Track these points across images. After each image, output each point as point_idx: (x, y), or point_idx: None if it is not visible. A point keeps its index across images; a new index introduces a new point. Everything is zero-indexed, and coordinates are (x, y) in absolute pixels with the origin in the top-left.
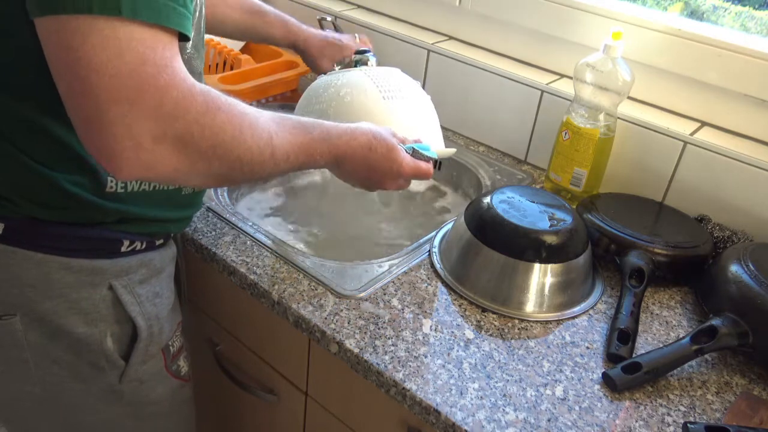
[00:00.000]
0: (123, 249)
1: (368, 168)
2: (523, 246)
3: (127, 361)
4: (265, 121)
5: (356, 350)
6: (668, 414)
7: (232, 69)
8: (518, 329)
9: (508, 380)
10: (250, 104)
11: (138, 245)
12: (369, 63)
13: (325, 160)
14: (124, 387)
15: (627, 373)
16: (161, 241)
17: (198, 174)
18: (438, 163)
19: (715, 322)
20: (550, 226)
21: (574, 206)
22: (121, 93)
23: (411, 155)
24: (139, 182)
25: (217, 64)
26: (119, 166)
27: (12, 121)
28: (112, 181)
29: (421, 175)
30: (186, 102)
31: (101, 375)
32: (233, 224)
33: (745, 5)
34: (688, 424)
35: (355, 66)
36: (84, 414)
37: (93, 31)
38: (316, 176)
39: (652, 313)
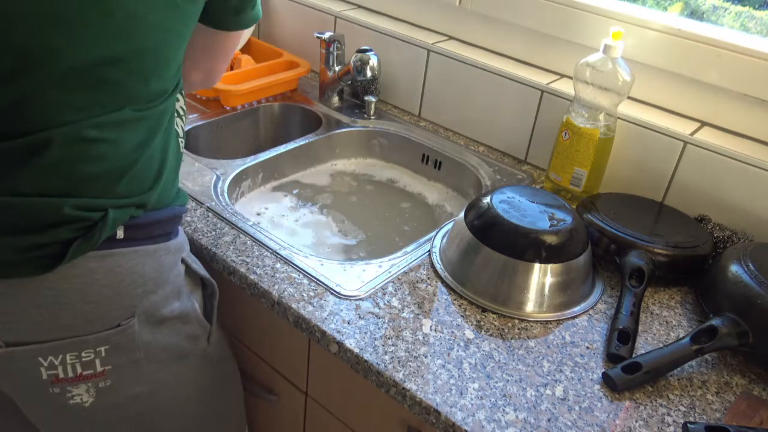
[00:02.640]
0: (179, 224)
1: None
2: (523, 246)
3: (210, 322)
4: None
5: (356, 350)
6: (668, 414)
7: (232, 69)
8: (518, 329)
9: (508, 380)
10: (251, 104)
11: (182, 219)
12: (370, 61)
13: None
14: (211, 348)
15: (627, 373)
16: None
17: None
18: (438, 163)
19: (715, 322)
20: (550, 226)
21: (574, 206)
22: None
23: None
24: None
25: None
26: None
27: (144, 125)
28: (182, 143)
29: None
30: None
31: (197, 344)
32: (233, 224)
33: (745, 5)
34: (688, 424)
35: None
36: (185, 392)
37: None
38: (321, 180)
39: (652, 313)
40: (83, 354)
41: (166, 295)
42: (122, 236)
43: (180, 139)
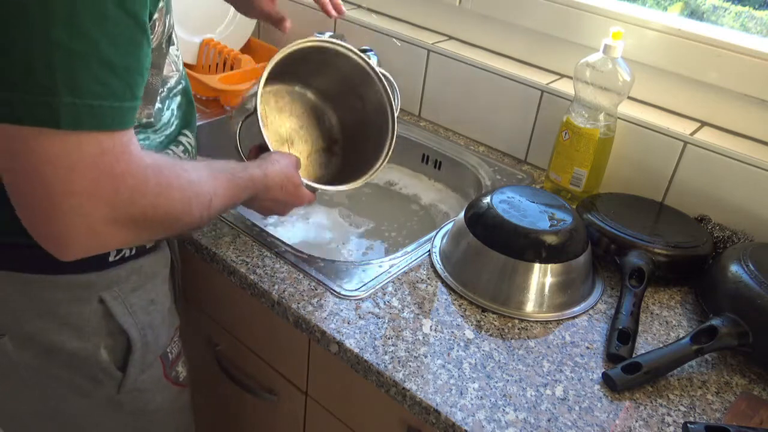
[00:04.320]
0: (111, 259)
1: (276, 203)
2: (523, 246)
3: (124, 371)
4: (206, 182)
5: (356, 350)
6: (668, 414)
7: (232, 69)
8: (518, 329)
9: (508, 380)
10: None
11: (126, 252)
12: (370, 62)
13: (243, 202)
14: (123, 397)
15: (627, 373)
16: (151, 244)
17: (141, 240)
18: (438, 163)
19: (715, 322)
20: (550, 226)
21: (574, 206)
22: (77, 185)
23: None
24: None
25: (217, 64)
26: (67, 251)
27: None
28: None
29: (306, 204)
30: (141, 186)
31: (100, 387)
32: (233, 224)
33: (745, 5)
34: (688, 424)
35: None
36: (85, 426)
37: (43, 139)
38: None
39: (652, 313)
40: None
41: (50, 327)
42: None
43: None
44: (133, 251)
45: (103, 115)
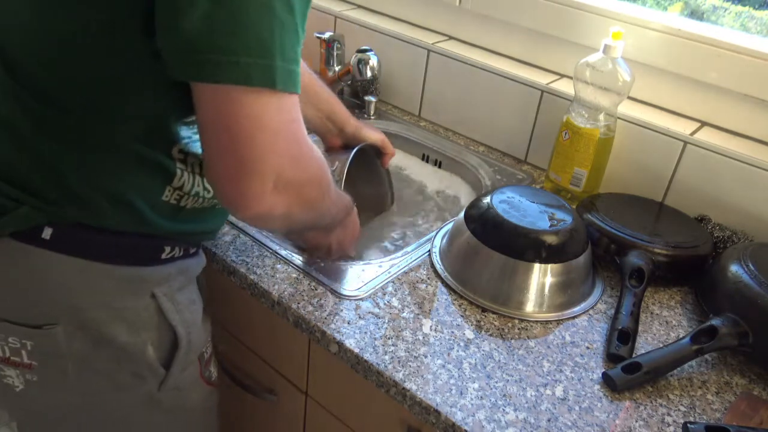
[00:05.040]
0: (163, 256)
1: (344, 239)
2: (523, 246)
3: (167, 369)
4: (332, 184)
5: (356, 350)
6: (668, 414)
7: None
8: (518, 329)
9: (508, 380)
10: None
11: (177, 252)
12: (370, 61)
13: (330, 223)
14: (162, 395)
15: (627, 373)
16: (194, 250)
17: (293, 221)
18: (438, 163)
19: (715, 322)
20: (550, 226)
21: (574, 206)
22: (278, 146)
23: None
24: (193, 199)
25: None
26: (250, 206)
27: (78, 130)
28: (168, 191)
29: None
30: (308, 155)
31: (141, 383)
32: (233, 224)
33: (745, 5)
34: (688, 424)
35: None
36: (122, 423)
37: (255, 98)
38: None
39: (652, 313)
40: (10, 339)
41: (104, 319)
42: (48, 238)
43: (170, 188)
44: (181, 252)
45: (296, 78)
